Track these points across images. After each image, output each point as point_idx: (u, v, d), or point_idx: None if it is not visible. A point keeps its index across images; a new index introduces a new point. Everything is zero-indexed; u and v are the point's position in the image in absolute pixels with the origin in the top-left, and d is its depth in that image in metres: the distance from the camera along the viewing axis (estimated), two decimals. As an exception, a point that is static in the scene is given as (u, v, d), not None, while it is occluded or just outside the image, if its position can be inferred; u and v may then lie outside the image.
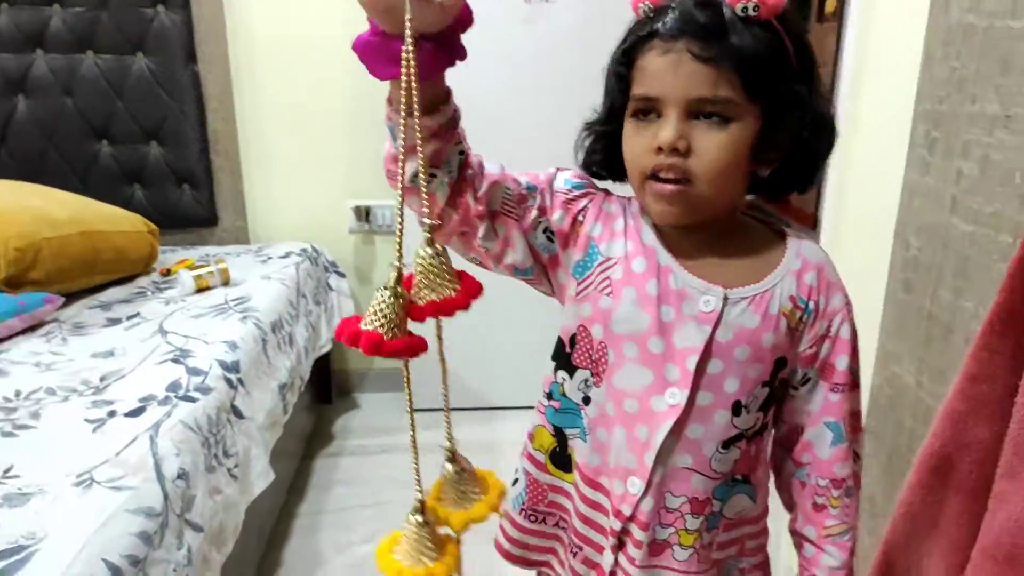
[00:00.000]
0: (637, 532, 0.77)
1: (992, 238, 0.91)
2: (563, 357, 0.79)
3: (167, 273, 1.96)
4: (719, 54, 0.65)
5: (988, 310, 0.82)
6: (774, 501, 0.86)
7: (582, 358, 0.77)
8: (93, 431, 1.14)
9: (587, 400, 0.77)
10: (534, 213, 0.73)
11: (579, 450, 0.79)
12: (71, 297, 1.75)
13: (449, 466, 0.77)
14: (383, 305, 0.60)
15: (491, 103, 2.10)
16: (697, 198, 0.69)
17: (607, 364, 0.74)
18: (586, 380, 0.77)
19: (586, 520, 0.81)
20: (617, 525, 0.77)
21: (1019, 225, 0.86)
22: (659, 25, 0.67)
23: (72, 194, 1.97)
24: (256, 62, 2.24)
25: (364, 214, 2.37)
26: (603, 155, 0.77)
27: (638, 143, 0.69)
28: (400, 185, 0.63)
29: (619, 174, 0.77)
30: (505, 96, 2.12)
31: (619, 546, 0.78)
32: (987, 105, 0.92)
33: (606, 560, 0.80)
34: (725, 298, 0.71)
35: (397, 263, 0.61)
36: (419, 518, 0.71)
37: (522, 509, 0.86)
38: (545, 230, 0.75)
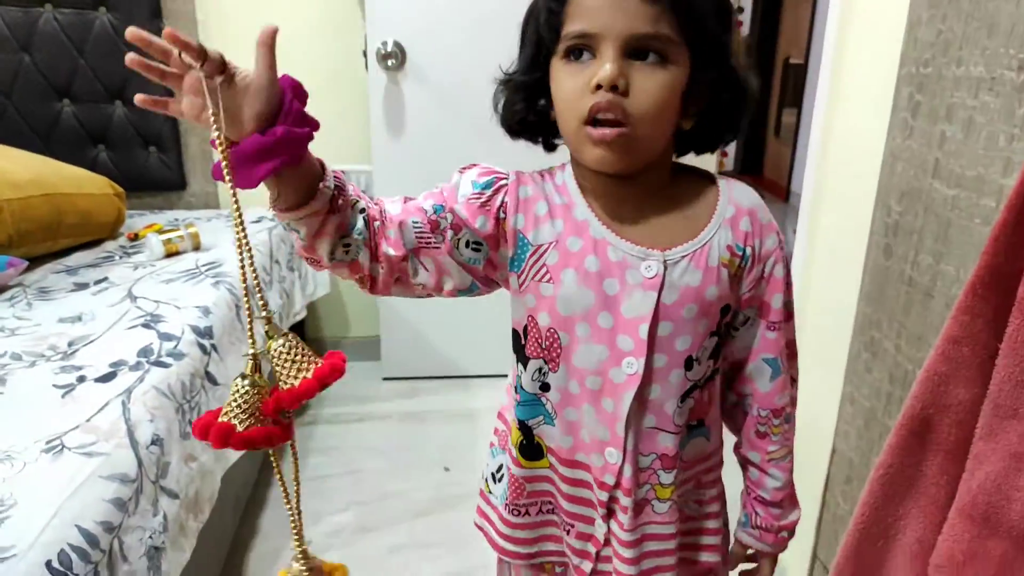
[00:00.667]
0: (623, 498, 0.78)
1: (975, 201, 0.91)
2: (519, 349, 0.79)
3: (135, 238, 1.91)
4: None
5: (970, 273, 0.83)
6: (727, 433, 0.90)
7: (533, 348, 0.77)
8: (62, 396, 1.11)
9: (545, 387, 0.77)
10: (450, 234, 0.72)
11: (548, 435, 0.80)
12: (35, 261, 1.70)
13: (296, 565, 0.77)
14: (239, 395, 0.60)
15: (468, 70, 2.06)
16: (636, 142, 0.67)
17: (560, 348, 0.74)
18: (540, 369, 0.77)
19: (572, 499, 0.81)
20: (604, 496, 0.78)
21: (1002, 188, 0.87)
22: None
23: (34, 154, 1.89)
24: (226, 17, 2.17)
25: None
26: (525, 108, 0.74)
27: (572, 85, 0.67)
28: (324, 266, 0.69)
29: (541, 131, 0.76)
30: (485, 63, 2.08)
31: (608, 514, 0.79)
32: (972, 68, 0.92)
33: (599, 530, 0.81)
34: (665, 261, 0.71)
35: (252, 350, 0.62)
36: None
37: (506, 504, 0.85)
38: (467, 244, 0.73)
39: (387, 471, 1.92)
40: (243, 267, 0.61)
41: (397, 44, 2.06)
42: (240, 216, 0.60)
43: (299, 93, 0.64)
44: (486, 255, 0.74)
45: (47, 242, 1.74)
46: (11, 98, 2.09)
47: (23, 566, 0.77)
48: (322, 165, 0.67)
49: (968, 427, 0.87)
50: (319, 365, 0.63)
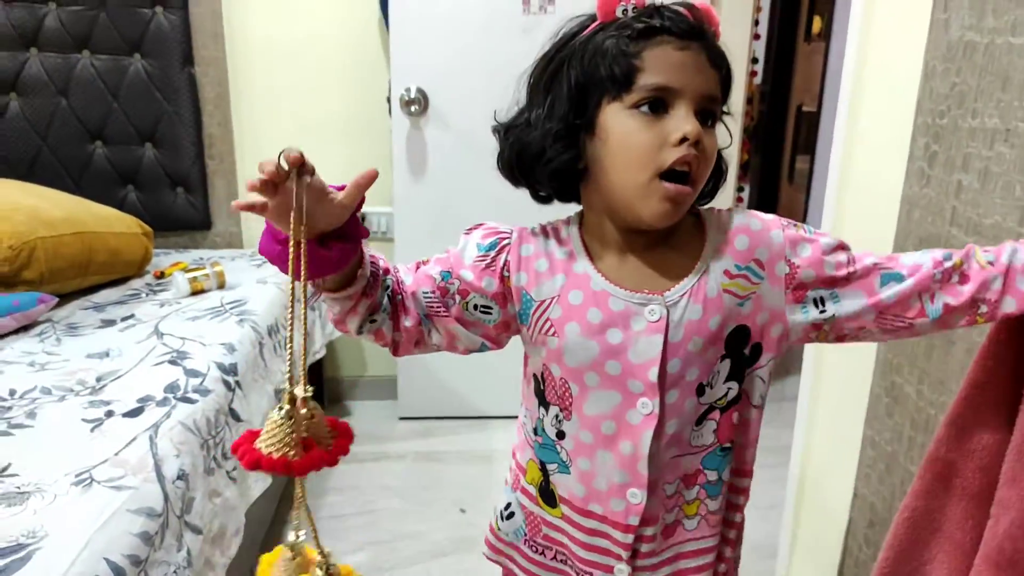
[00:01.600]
0: (648, 531, 0.78)
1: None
2: (540, 394, 0.80)
3: (161, 275, 1.95)
4: (722, 60, 0.71)
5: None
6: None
7: (552, 395, 0.78)
8: (91, 431, 1.13)
9: (561, 435, 0.78)
10: (458, 298, 0.75)
11: (561, 484, 0.80)
12: (64, 298, 1.74)
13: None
14: (276, 427, 0.60)
15: (488, 116, 2.11)
16: (691, 200, 0.71)
17: (572, 397, 0.76)
18: (557, 415, 0.78)
19: (588, 547, 0.81)
20: (629, 539, 0.77)
21: (1019, 236, 0.88)
22: (666, 23, 0.68)
23: (66, 194, 1.95)
24: (253, 66, 2.24)
25: (360, 221, 2.37)
26: (573, 156, 0.71)
27: (647, 137, 0.67)
28: (352, 336, 0.74)
29: (565, 186, 0.75)
30: (503, 109, 2.13)
31: (633, 555, 0.79)
32: (987, 119, 0.94)
33: (620, 574, 0.80)
34: (666, 304, 0.72)
35: (290, 386, 0.62)
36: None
37: (526, 540, 0.86)
38: (476, 307, 0.76)
39: (403, 511, 1.91)
40: (291, 342, 0.62)
41: (420, 90, 2.12)
42: (295, 295, 0.61)
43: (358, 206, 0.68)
44: (498, 315, 0.76)
45: (77, 279, 1.78)
46: (47, 140, 2.15)
47: (54, 598, 0.78)
48: (361, 257, 0.70)
49: (993, 472, 0.87)
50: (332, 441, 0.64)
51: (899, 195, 1.13)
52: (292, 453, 0.59)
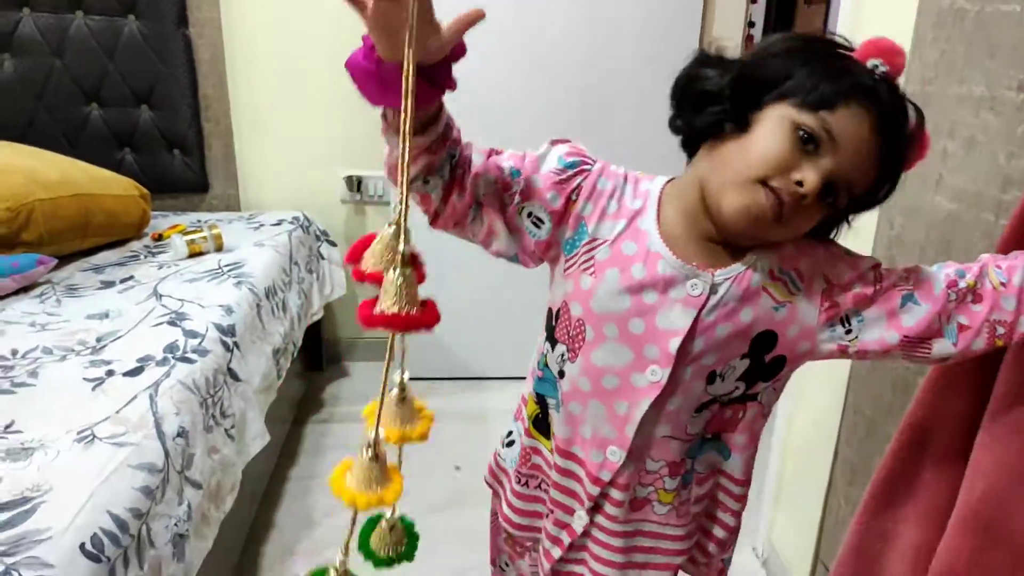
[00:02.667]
0: (616, 493, 0.81)
1: (975, 216, 0.94)
2: (550, 329, 0.81)
3: (159, 238, 1.96)
4: (886, 168, 0.71)
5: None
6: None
7: (562, 333, 0.79)
8: (92, 389, 1.15)
9: (562, 374, 0.80)
10: (517, 199, 0.74)
11: (554, 420, 0.83)
12: (63, 260, 1.75)
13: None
14: (398, 284, 0.58)
15: (484, 99, 2.11)
16: (764, 232, 0.70)
17: (583, 341, 0.76)
18: (563, 354, 0.79)
19: (558, 487, 0.85)
20: (595, 491, 0.81)
21: (1000, 203, 0.90)
22: (886, 108, 0.68)
23: (63, 156, 1.95)
24: (249, 27, 2.23)
25: (356, 184, 2.38)
26: (724, 115, 0.70)
27: (784, 153, 0.67)
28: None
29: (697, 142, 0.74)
30: (497, 91, 2.13)
31: (595, 508, 0.82)
32: (974, 87, 0.95)
33: (577, 522, 0.84)
34: (712, 283, 0.73)
35: (404, 242, 0.59)
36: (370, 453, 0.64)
37: (516, 471, 0.90)
38: (530, 215, 0.75)
39: (400, 469, 1.95)
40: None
41: (416, 53, 2.10)
42: (408, 127, 0.56)
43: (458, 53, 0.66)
44: (547, 232, 0.75)
45: (75, 241, 1.79)
46: (42, 100, 2.15)
47: (59, 548, 0.82)
48: (440, 109, 0.68)
49: (967, 437, 0.90)
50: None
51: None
52: (413, 310, 0.57)
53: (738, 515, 0.89)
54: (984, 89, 0.93)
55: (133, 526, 0.93)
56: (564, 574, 0.88)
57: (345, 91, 2.42)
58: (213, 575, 1.37)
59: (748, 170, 0.68)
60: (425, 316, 0.58)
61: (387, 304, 0.58)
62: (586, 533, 0.84)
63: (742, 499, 0.88)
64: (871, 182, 0.71)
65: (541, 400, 0.84)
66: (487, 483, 0.97)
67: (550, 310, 0.81)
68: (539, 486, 0.89)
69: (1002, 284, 0.73)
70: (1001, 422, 0.85)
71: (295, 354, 1.87)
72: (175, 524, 1.03)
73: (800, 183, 0.66)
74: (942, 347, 0.75)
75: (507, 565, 1.00)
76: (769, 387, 0.79)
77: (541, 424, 0.85)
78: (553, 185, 0.74)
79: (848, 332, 0.75)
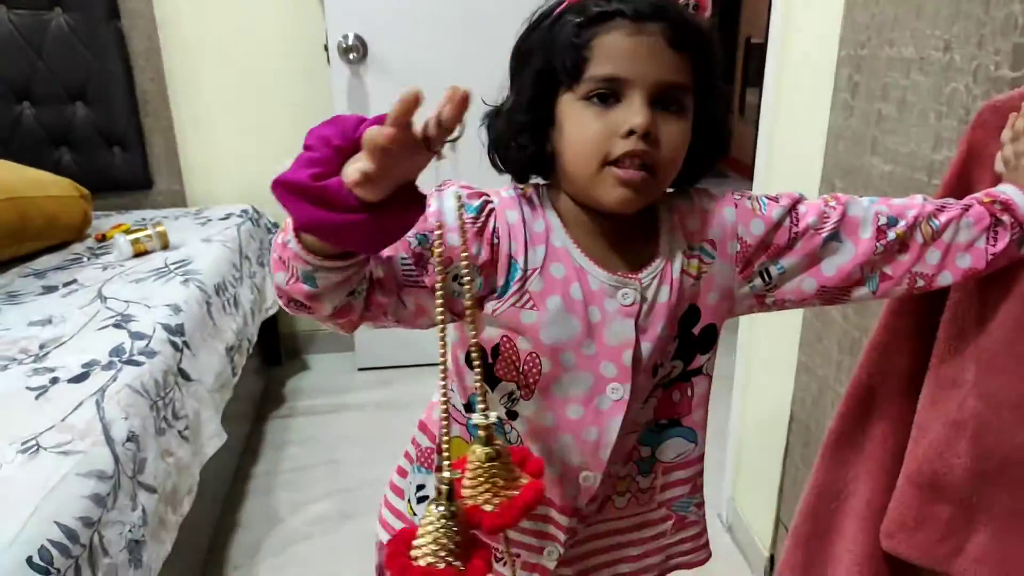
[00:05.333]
0: (587, 508, 0.77)
1: (909, 176, 0.96)
2: (485, 367, 0.70)
3: (102, 239, 1.91)
4: (688, 41, 0.65)
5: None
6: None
7: (507, 371, 0.71)
8: (36, 398, 1.12)
9: (512, 415, 0.73)
10: (437, 267, 0.63)
11: None
12: (2, 266, 1.70)
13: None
14: (436, 529, 0.54)
15: (429, 61, 2.08)
16: (656, 187, 0.67)
17: (540, 373, 0.70)
18: (510, 394, 0.72)
19: (525, 531, 0.77)
20: (573, 523, 0.76)
21: (932, 163, 0.91)
22: (620, 6, 0.64)
23: (-5, 159, 1.89)
24: (183, 17, 2.16)
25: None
26: (536, 148, 0.69)
27: (596, 128, 0.65)
28: (320, 318, 0.61)
29: (545, 170, 0.72)
30: (441, 60, 2.10)
31: (571, 536, 0.78)
32: (903, 49, 0.96)
33: (548, 559, 0.78)
34: (641, 288, 0.70)
35: (447, 473, 0.56)
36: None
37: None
38: (455, 278, 0.65)
39: (364, 459, 1.94)
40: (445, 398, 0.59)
41: (358, 37, 2.07)
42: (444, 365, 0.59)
43: None
44: (480, 285, 0.68)
45: (12, 247, 1.73)
46: (-31, 102, 2.07)
47: (3, 563, 0.79)
48: None
49: (910, 395, 0.92)
50: (520, 483, 0.60)
51: (826, 127, 1.16)
52: (458, 564, 0.53)
53: (701, 487, 0.87)
54: (913, 50, 0.94)
55: (84, 535, 0.90)
56: None
57: (286, 79, 2.39)
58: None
59: (588, 165, 0.66)
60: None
61: (421, 552, 0.54)
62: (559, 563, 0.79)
63: (702, 472, 0.85)
64: (686, 62, 0.65)
65: None
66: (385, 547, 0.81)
67: (479, 348, 0.69)
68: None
69: (933, 237, 0.72)
70: (941, 379, 0.87)
71: (250, 350, 1.84)
72: (129, 531, 1.01)
73: (631, 131, 0.63)
74: (860, 293, 0.75)
75: None
76: (710, 356, 0.78)
77: None
78: (474, 237, 0.67)
79: (767, 283, 0.74)
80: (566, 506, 0.75)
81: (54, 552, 0.85)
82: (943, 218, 0.72)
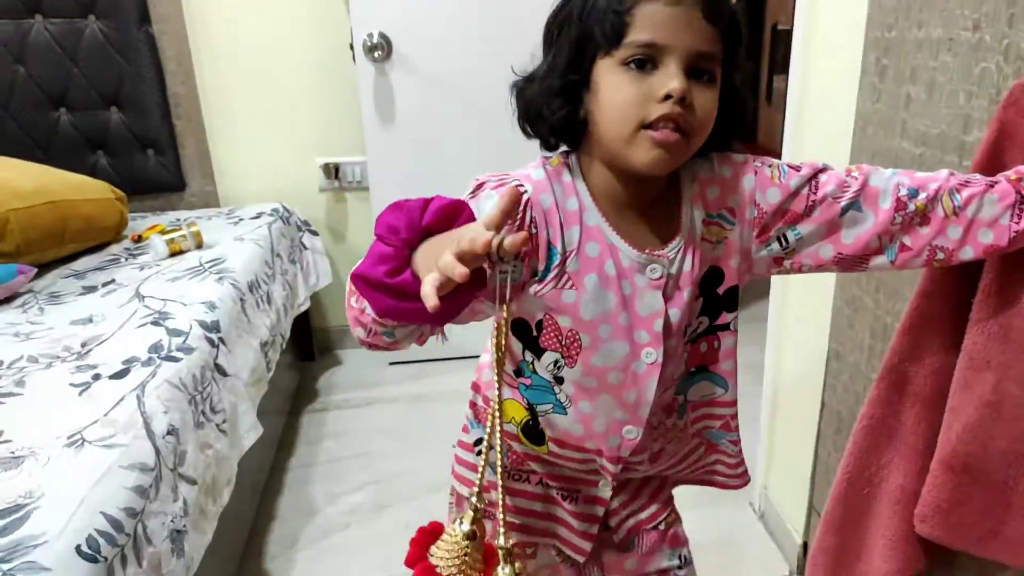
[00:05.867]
0: (635, 459, 0.84)
1: (939, 158, 0.95)
2: (529, 340, 0.78)
3: (139, 239, 1.96)
4: (721, 15, 0.68)
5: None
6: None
7: (551, 342, 0.77)
8: (79, 394, 1.16)
9: (559, 380, 0.79)
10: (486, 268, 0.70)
11: (555, 423, 0.82)
12: (43, 268, 1.75)
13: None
14: (458, 553, 0.65)
15: (454, 58, 2.09)
16: (686, 150, 0.70)
17: (580, 348, 0.76)
18: (556, 362, 0.78)
19: (577, 472, 0.86)
20: (619, 468, 0.83)
21: (963, 144, 0.90)
22: None
23: (36, 164, 1.94)
24: (213, 21, 2.20)
25: (333, 171, 2.37)
26: (569, 111, 0.72)
27: (633, 91, 0.67)
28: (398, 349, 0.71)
29: (576, 136, 0.75)
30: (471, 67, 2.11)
31: (620, 480, 0.86)
32: (932, 30, 0.95)
33: (604, 490, 0.87)
34: (667, 263, 0.75)
35: (475, 503, 0.67)
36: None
37: (505, 468, 0.85)
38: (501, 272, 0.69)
39: (398, 451, 1.97)
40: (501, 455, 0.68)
41: (383, 35, 2.09)
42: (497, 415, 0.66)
43: None
44: (520, 274, 0.71)
45: (53, 249, 1.78)
46: (8, 109, 2.13)
47: (55, 551, 0.82)
48: None
49: (943, 377, 0.92)
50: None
51: (853, 111, 1.14)
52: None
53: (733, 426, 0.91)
54: (942, 31, 0.93)
55: (128, 525, 0.93)
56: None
57: (315, 76, 2.43)
58: (216, 568, 1.39)
59: (625, 128, 0.68)
60: None
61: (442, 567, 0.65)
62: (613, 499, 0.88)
63: (730, 419, 0.89)
64: (717, 35, 0.68)
65: (531, 408, 0.82)
66: (466, 502, 0.89)
67: (524, 322, 0.77)
68: (539, 482, 0.88)
69: (955, 212, 0.72)
70: (974, 361, 0.86)
71: (284, 346, 1.88)
72: (171, 521, 1.04)
73: (668, 95, 0.66)
74: (879, 262, 0.76)
75: None
76: (735, 314, 0.81)
77: (532, 431, 0.84)
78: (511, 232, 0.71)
79: (784, 248, 0.77)
80: (612, 456, 0.82)
81: (101, 541, 0.88)
82: (966, 193, 0.73)
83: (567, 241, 0.73)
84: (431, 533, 0.70)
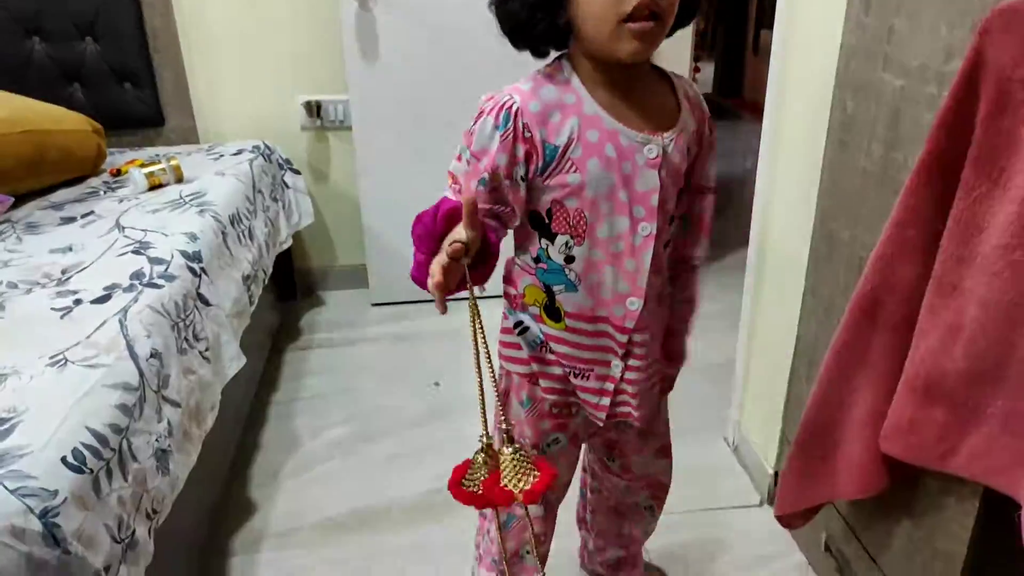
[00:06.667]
0: (638, 336, 0.93)
1: (920, 90, 0.96)
2: (544, 228, 0.90)
3: (117, 173, 1.93)
4: None
5: (916, 159, 0.88)
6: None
7: (561, 226, 0.88)
8: (61, 318, 1.16)
9: (570, 259, 0.90)
10: (507, 184, 0.85)
11: (569, 300, 0.92)
12: (20, 199, 1.73)
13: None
14: (474, 468, 0.82)
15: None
16: (660, 34, 0.79)
17: (587, 225, 0.87)
18: (567, 243, 0.89)
19: (593, 348, 0.95)
20: (625, 339, 0.93)
21: (943, 76, 0.91)
22: None
23: (10, 94, 1.89)
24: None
25: (315, 109, 2.34)
26: (551, 21, 0.80)
27: None
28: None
29: (559, 39, 0.84)
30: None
31: (627, 354, 0.94)
32: (918, -41, 0.95)
33: (615, 369, 0.95)
34: (663, 144, 0.85)
35: (484, 438, 0.82)
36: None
37: (542, 345, 0.96)
38: (520, 177, 0.85)
39: (380, 388, 2.00)
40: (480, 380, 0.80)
41: (366, -33, 2.04)
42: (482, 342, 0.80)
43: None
44: (525, 173, 0.85)
45: (30, 179, 1.76)
46: (-20, 38, 2.07)
47: (41, 461, 0.83)
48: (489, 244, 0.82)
49: (913, 305, 0.94)
50: (536, 478, 0.80)
51: (838, 45, 1.15)
52: (477, 490, 0.81)
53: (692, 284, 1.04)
54: (927, -40, 0.93)
55: (114, 441, 0.95)
56: (615, 414, 0.99)
57: (297, 13, 2.38)
58: (201, 491, 1.42)
59: (605, 26, 0.77)
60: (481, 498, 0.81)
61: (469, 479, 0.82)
62: (622, 378, 0.96)
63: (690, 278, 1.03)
64: None
65: (548, 289, 0.93)
66: (514, 374, 1.01)
67: (535, 213, 0.89)
68: (559, 364, 0.97)
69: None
70: (942, 286, 0.88)
71: (266, 282, 1.88)
72: (156, 440, 1.05)
73: None
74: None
75: (553, 443, 1.04)
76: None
77: (551, 310, 0.94)
78: (511, 144, 0.83)
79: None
80: (619, 326, 0.92)
81: (87, 454, 0.89)
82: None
83: (563, 134, 0.83)
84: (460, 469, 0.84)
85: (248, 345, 1.58)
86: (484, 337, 0.79)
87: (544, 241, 0.90)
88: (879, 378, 1.01)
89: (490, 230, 0.83)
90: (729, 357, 1.70)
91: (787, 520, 1.20)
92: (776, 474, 1.50)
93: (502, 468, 0.81)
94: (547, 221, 0.89)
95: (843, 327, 1.03)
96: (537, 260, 0.92)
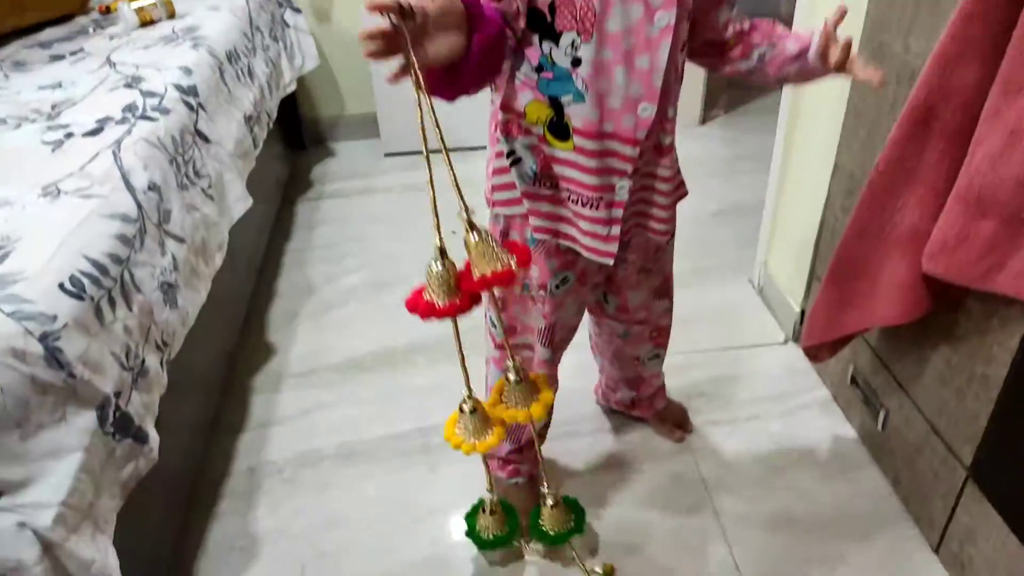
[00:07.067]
0: (643, 139, 0.86)
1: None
2: (545, 27, 0.80)
3: (106, 11, 1.81)
4: None
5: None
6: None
7: (565, 22, 0.79)
8: (52, 151, 1.10)
9: (577, 62, 0.81)
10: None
11: (576, 113, 0.84)
12: (5, 39, 1.63)
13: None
14: (434, 277, 0.80)
15: None
16: None
17: (595, 16, 0.78)
18: (572, 42, 0.80)
19: (597, 171, 0.87)
20: (636, 152, 0.86)
21: None
22: None
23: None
24: None
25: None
26: None
27: None
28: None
29: None
30: None
31: (634, 171, 0.88)
32: None
33: (620, 192, 0.89)
34: None
35: (438, 243, 0.80)
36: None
37: (536, 178, 0.90)
38: None
39: (393, 236, 1.95)
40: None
41: None
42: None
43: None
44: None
45: (12, 16, 1.65)
46: None
47: (37, 286, 0.80)
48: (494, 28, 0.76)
49: (973, 110, 0.85)
50: (509, 259, 0.77)
51: None
52: (443, 299, 0.80)
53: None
54: None
55: (114, 270, 0.91)
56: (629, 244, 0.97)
57: None
58: (218, 335, 1.41)
59: None
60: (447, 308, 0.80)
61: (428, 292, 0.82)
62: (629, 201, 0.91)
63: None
64: None
65: (555, 101, 0.84)
66: (496, 217, 0.96)
67: (538, 11, 0.80)
68: (559, 188, 0.90)
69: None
70: (1008, 85, 0.79)
71: (271, 125, 1.79)
72: (160, 273, 1.02)
73: None
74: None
75: (562, 283, 0.99)
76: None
77: (557, 127, 0.85)
78: None
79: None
80: (628, 137, 0.85)
81: (85, 281, 0.85)
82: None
83: None
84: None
85: (257, 193, 1.52)
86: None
87: (547, 45, 0.81)
88: (929, 192, 0.93)
89: (491, 11, 0.76)
90: (758, 199, 1.62)
91: (814, 351, 1.16)
92: (803, 312, 1.45)
93: (472, 258, 0.77)
94: (550, 18, 0.79)
95: (891, 142, 0.94)
96: (540, 69, 0.83)
